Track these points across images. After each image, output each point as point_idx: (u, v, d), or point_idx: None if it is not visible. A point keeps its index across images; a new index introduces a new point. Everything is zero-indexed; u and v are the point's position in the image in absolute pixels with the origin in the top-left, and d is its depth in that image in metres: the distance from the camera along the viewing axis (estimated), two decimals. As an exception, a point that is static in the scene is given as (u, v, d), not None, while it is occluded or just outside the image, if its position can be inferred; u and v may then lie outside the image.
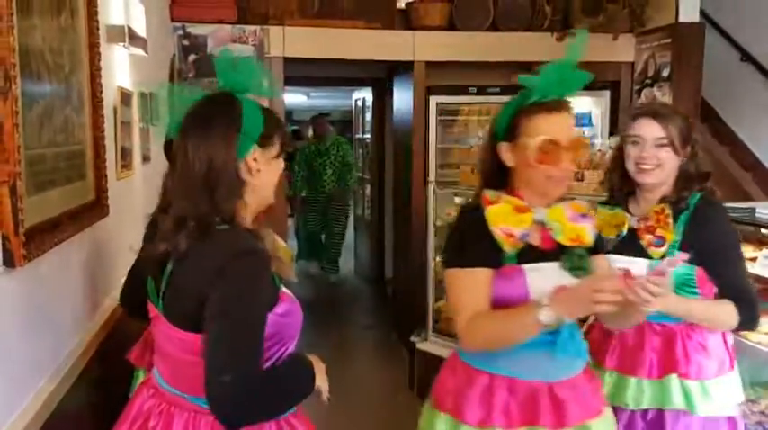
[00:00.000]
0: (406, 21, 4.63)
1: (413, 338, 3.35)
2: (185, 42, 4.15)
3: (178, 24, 4.12)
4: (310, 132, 7.98)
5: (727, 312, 1.88)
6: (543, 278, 1.60)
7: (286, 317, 1.39)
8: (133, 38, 2.57)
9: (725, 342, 2.00)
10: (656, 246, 1.93)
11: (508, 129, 1.65)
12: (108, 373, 2.14)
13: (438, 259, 3.40)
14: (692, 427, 1.92)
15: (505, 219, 1.60)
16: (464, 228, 1.69)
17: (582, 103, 5.02)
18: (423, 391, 3.34)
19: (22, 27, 1.43)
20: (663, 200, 1.95)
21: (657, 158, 1.91)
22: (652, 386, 1.95)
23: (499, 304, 1.62)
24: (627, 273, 1.95)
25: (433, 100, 4.76)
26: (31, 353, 1.57)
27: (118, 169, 2.50)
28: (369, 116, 6.71)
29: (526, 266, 1.62)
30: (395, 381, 4.27)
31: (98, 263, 2.20)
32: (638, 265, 1.92)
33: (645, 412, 1.97)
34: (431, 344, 3.27)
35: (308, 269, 7.18)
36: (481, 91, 4.77)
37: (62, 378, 1.68)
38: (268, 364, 1.38)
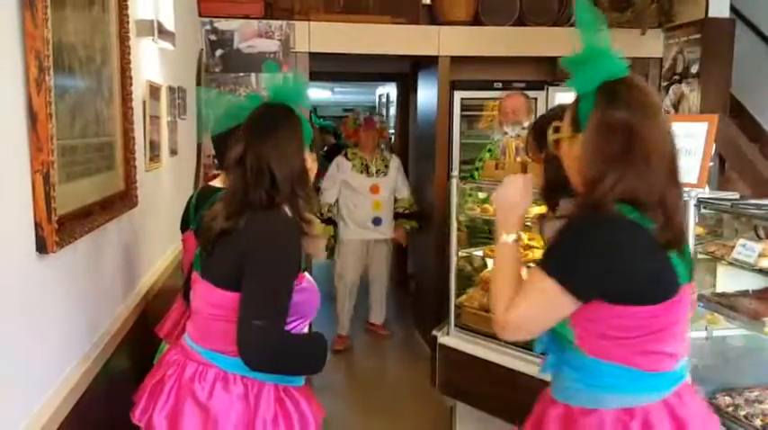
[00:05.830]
0: (432, 15, 4.63)
1: (434, 332, 3.35)
2: (212, 37, 4.21)
3: (206, 19, 4.18)
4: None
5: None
6: None
7: (302, 294, 1.59)
8: (162, 32, 2.61)
9: None
10: None
11: None
12: (137, 356, 2.19)
13: (460, 253, 3.39)
14: None
15: None
16: None
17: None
18: (444, 387, 3.38)
19: (55, 19, 1.47)
20: None
21: None
22: None
23: None
24: None
25: (458, 95, 4.75)
26: (63, 336, 1.62)
27: (146, 162, 2.54)
28: (392, 111, 6.71)
29: None
30: (417, 376, 4.29)
31: (127, 251, 2.25)
32: None
33: None
34: (453, 339, 3.27)
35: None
36: (506, 86, 4.72)
37: (93, 360, 1.73)
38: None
